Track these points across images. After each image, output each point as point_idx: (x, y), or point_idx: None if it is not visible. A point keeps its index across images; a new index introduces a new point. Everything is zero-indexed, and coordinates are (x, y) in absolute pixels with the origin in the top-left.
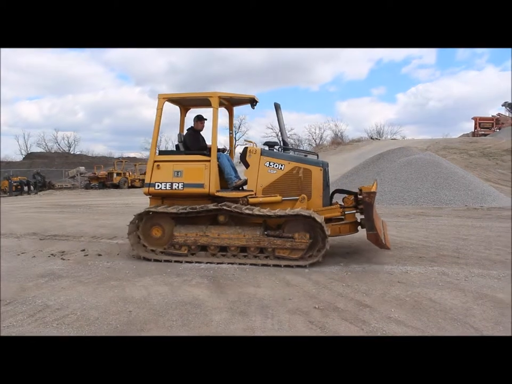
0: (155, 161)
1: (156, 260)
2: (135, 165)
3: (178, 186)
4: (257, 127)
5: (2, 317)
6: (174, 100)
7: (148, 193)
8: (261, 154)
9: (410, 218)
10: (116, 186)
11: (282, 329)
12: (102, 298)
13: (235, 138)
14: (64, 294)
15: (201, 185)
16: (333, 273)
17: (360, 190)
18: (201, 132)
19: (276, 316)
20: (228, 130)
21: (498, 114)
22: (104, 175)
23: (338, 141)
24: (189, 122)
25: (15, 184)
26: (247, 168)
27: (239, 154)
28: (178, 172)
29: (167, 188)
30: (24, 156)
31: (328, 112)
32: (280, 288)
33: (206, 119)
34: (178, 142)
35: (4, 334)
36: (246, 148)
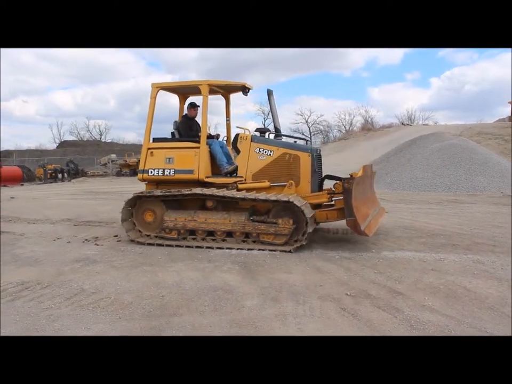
0: (148, 149)
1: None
2: None
3: (169, 173)
4: (286, 113)
5: (41, 299)
6: (167, 89)
7: (142, 179)
8: (251, 141)
9: (443, 205)
10: None
11: (314, 316)
12: (135, 283)
13: (264, 125)
14: (99, 278)
15: (191, 171)
16: (364, 260)
17: (351, 175)
18: (196, 119)
19: (308, 302)
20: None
21: None
22: (135, 162)
23: (368, 127)
24: None
25: (49, 172)
26: (238, 154)
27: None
28: (170, 158)
29: (159, 174)
30: (57, 144)
31: (359, 98)
32: (311, 274)
33: (198, 106)
34: (174, 129)
35: (42, 316)
36: (237, 135)
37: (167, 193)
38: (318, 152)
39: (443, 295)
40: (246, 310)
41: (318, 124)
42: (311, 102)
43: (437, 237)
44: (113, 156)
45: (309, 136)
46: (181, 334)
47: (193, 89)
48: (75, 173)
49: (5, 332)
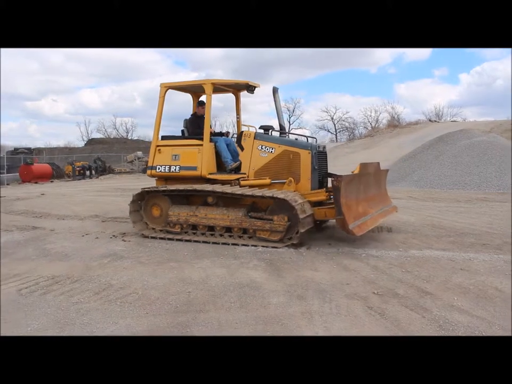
0: (157, 146)
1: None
2: None
3: (175, 169)
4: (312, 111)
5: (71, 293)
6: (175, 88)
7: (150, 175)
8: (254, 138)
9: (472, 203)
10: None
11: (340, 314)
12: (161, 279)
13: (289, 122)
14: (126, 274)
15: (195, 168)
16: (392, 259)
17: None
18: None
19: (334, 300)
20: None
21: None
22: None
23: (395, 124)
24: None
25: (77, 169)
26: (242, 151)
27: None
28: (176, 155)
29: (166, 170)
30: (85, 142)
31: (385, 94)
32: (338, 272)
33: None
34: (183, 127)
35: (72, 310)
36: (242, 132)
37: (151, 189)
38: (321, 149)
39: (473, 295)
40: (272, 307)
41: (343, 120)
42: (338, 99)
43: (466, 236)
44: (140, 153)
45: (334, 133)
46: (207, 330)
47: (199, 88)
48: (102, 170)
49: (38, 324)
